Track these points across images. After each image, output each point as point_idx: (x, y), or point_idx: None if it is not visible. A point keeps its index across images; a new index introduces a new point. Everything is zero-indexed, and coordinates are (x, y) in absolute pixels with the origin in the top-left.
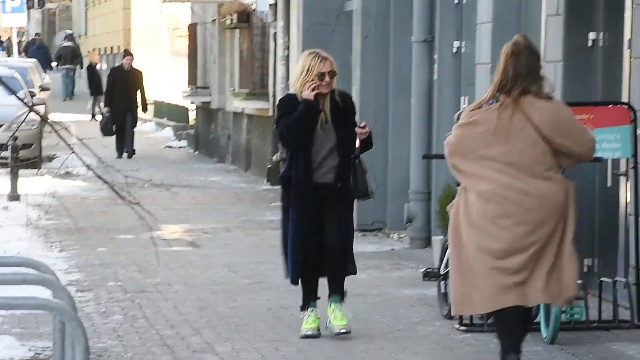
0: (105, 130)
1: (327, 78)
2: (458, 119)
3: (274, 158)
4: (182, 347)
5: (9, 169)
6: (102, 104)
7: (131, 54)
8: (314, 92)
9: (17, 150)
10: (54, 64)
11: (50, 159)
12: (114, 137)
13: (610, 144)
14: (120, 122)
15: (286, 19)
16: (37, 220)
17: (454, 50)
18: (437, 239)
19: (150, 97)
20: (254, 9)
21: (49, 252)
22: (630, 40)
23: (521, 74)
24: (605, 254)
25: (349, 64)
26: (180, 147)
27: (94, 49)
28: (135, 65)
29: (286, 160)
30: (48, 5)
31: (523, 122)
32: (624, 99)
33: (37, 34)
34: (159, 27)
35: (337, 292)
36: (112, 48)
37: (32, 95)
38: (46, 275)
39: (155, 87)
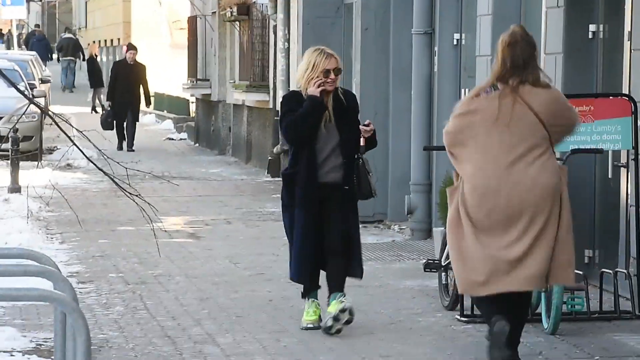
0: (105, 124)
1: (332, 75)
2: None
3: (275, 150)
4: (184, 338)
5: (9, 161)
6: (102, 97)
7: (135, 48)
8: (320, 89)
9: (17, 142)
10: (54, 55)
11: (51, 151)
12: (114, 131)
13: (610, 135)
14: (121, 117)
15: (286, 11)
16: (37, 212)
17: (454, 42)
18: (438, 231)
19: (151, 89)
20: (254, 2)
21: (50, 243)
22: (630, 32)
23: (519, 64)
24: (606, 245)
25: (349, 56)
26: (180, 139)
27: (93, 42)
28: (136, 58)
29: (289, 157)
30: None
31: (524, 110)
32: (625, 90)
33: (36, 26)
34: (158, 19)
35: (337, 292)
36: (112, 41)
37: (32, 87)
38: (47, 266)
39: (156, 80)
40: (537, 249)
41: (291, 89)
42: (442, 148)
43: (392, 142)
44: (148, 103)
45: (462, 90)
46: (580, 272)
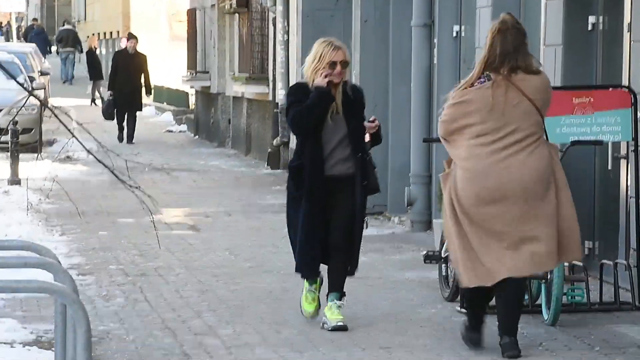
0: (107, 114)
1: (338, 67)
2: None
3: (274, 142)
4: (184, 330)
5: (9, 154)
6: (102, 89)
7: (135, 37)
8: (327, 79)
9: (17, 134)
10: (54, 48)
11: (51, 143)
12: (115, 121)
13: (610, 127)
14: (122, 107)
15: (285, 3)
16: (37, 204)
17: (454, 34)
18: (437, 222)
19: (151, 81)
20: None
21: (50, 235)
22: (630, 23)
23: (509, 51)
24: (606, 237)
25: (348, 48)
26: (180, 132)
27: (93, 34)
28: (137, 47)
29: (295, 148)
30: None
31: (519, 97)
32: (624, 82)
33: (34, 19)
34: (158, 12)
35: (337, 291)
36: (111, 33)
37: (32, 80)
38: (47, 258)
39: (155, 72)
40: (538, 230)
41: (291, 80)
42: None
43: (392, 134)
44: (148, 92)
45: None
46: (581, 264)
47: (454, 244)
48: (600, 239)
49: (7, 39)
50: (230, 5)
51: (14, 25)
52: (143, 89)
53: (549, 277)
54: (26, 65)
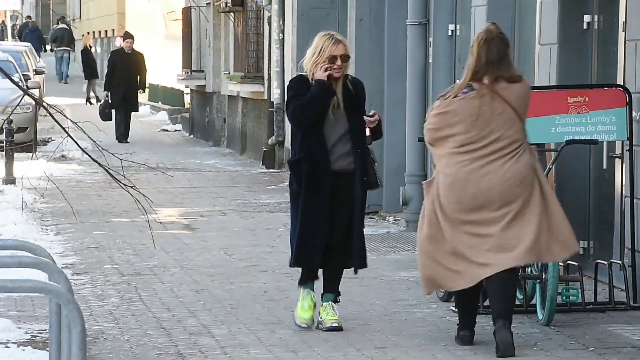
0: (104, 115)
1: (338, 61)
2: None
3: (270, 141)
4: (179, 329)
5: (3, 153)
6: (97, 88)
7: (131, 36)
8: (327, 73)
9: (12, 133)
10: (48, 46)
11: (45, 142)
12: (112, 122)
13: (605, 126)
14: (120, 107)
15: (280, 2)
16: (32, 204)
17: (449, 33)
18: None
19: (146, 80)
20: None
21: (45, 235)
22: (625, 22)
23: (493, 61)
24: (601, 236)
25: None
26: (175, 131)
27: (88, 33)
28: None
29: (294, 144)
30: None
31: (502, 106)
32: (619, 81)
33: (28, 17)
34: (153, 10)
35: (332, 292)
36: (106, 32)
37: (27, 78)
38: (42, 258)
39: (150, 71)
40: (522, 232)
41: (286, 79)
42: None
43: (387, 133)
44: (142, 90)
45: (457, 81)
46: (575, 263)
47: (423, 248)
48: (595, 238)
49: (2, 38)
50: (226, 3)
51: (9, 24)
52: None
53: (543, 277)
54: (21, 64)
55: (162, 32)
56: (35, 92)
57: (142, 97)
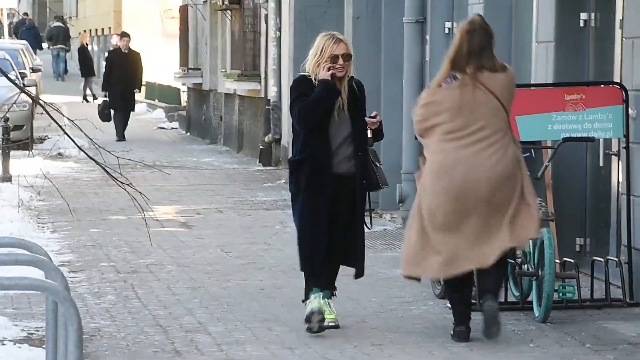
0: (104, 116)
1: (340, 60)
2: None
3: (266, 139)
4: (175, 327)
5: (0, 151)
6: (93, 86)
7: (128, 35)
8: (330, 72)
9: (8, 131)
10: (44, 44)
11: (42, 140)
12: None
13: (602, 123)
14: (118, 107)
15: (277, 0)
16: (29, 202)
17: (446, 31)
18: None
19: (143, 78)
20: None
21: (41, 233)
22: (622, 20)
23: (474, 51)
24: (597, 233)
25: None
26: (172, 129)
27: (84, 31)
28: (130, 45)
29: (295, 144)
30: None
31: (486, 95)
32: (616, 79)
33: (25, 14)
34: (150, 8)
35: (329, 288)
36: (102, 30)
37: (23, 76)
38: (38, 255)
39: (147, 69)
40: (502, 223)
41: (282, 77)
42: None
43: (384, 131)
44: (138, 89)
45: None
46: (572, 260)
47: (411, 236)
48: (592, 235)
49: None
50: (222, 1)
51: (6, 22)
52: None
53: (540, 274)
54: (17, 61)
55: (158, 30)
56: (32, 90)
57: (139, 95)
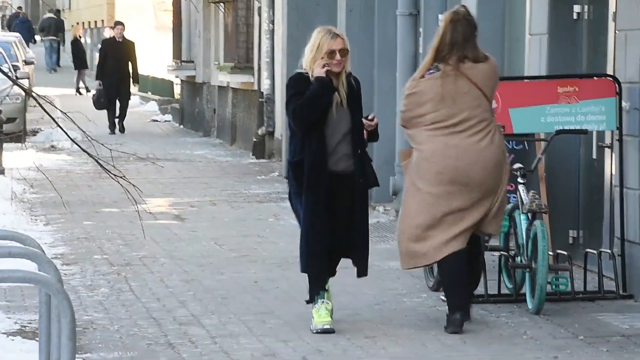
0: (99, 104)
1: (337, 56)
2: None
3: (259, 132)
4: (169, 319)
5: None
6: (86, 78)
7: (122, 24)
8: (325, 69)
9: (1, 124)
10: (37, 37)
11: (35, 132)
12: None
13: (595, 116)
14: (112, 96)
15: None
16: (22, 194)
17: (439, 23)
18: None
19: (138, 70)
20: None
21: (34, 225)
22: (615, 12)
23: (458, 41)
24: (591, 226)
25: None
26: (165, 121)
27: (77, 23)
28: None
29: (292, 143)
30: None
31: (468, 85)
32: (609, 71)
33: (19, 8)
34: (143, 1)
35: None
36: (95, 22)
37: (16, 69)
38: (31, 248)
39: (140, 61)
40: (481, 210)
41: (276, 70)
42: None
43: (379, 126)
44: (135, 81)
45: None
46: (565, 253)
47: (406, 222)
48: (585, 228)
49: None
50: None
51: None
52: (131, 78)
53: (533, 266)
54: (10, 54)
55: (152, 22)
56: (25, 82)
57: (134, 87)
